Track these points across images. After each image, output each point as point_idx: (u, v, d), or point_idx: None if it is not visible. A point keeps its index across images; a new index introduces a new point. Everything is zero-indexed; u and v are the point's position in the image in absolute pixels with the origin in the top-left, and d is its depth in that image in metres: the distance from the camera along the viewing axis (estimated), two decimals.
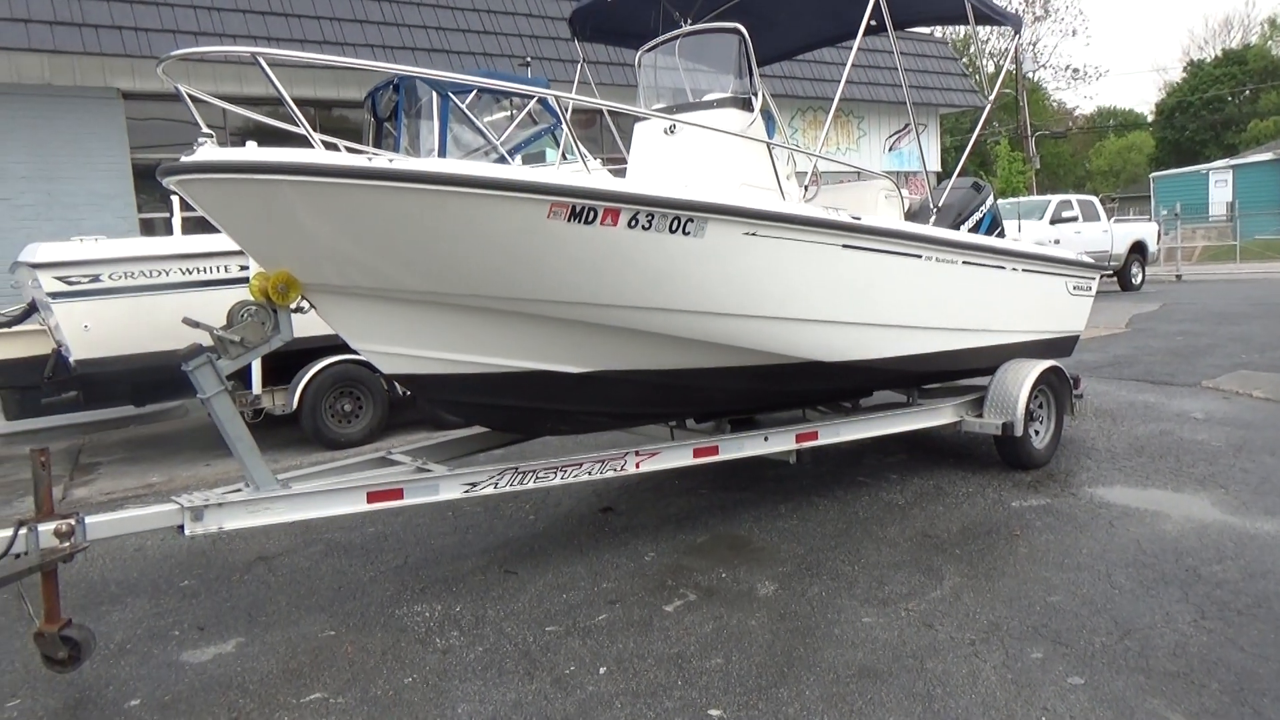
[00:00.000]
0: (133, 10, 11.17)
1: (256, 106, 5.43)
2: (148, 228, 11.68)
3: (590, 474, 4.74)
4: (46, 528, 3.55)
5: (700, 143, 5.21)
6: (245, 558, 5.24)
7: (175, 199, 7.91)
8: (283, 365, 7.67)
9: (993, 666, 3.51)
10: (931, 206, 6.20)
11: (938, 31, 20.66)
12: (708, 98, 5.43)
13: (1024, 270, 6.45)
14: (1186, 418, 7.57)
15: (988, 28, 9.21)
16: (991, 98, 7.62)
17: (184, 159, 3.62)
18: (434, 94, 8.14)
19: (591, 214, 4.03)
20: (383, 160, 3.79)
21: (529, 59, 12.83)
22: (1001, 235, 6.76)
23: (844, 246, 5.04)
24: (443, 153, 8.09)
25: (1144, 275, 20.94)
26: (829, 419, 5.94)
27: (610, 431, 5.69)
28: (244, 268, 7.47)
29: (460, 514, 5.85)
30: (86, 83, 11.25)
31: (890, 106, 18.85)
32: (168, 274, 7.40)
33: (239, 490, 4.13)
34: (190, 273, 7.47)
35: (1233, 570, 4.33)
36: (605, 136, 13.91)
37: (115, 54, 10.92)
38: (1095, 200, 21.03)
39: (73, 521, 3.60)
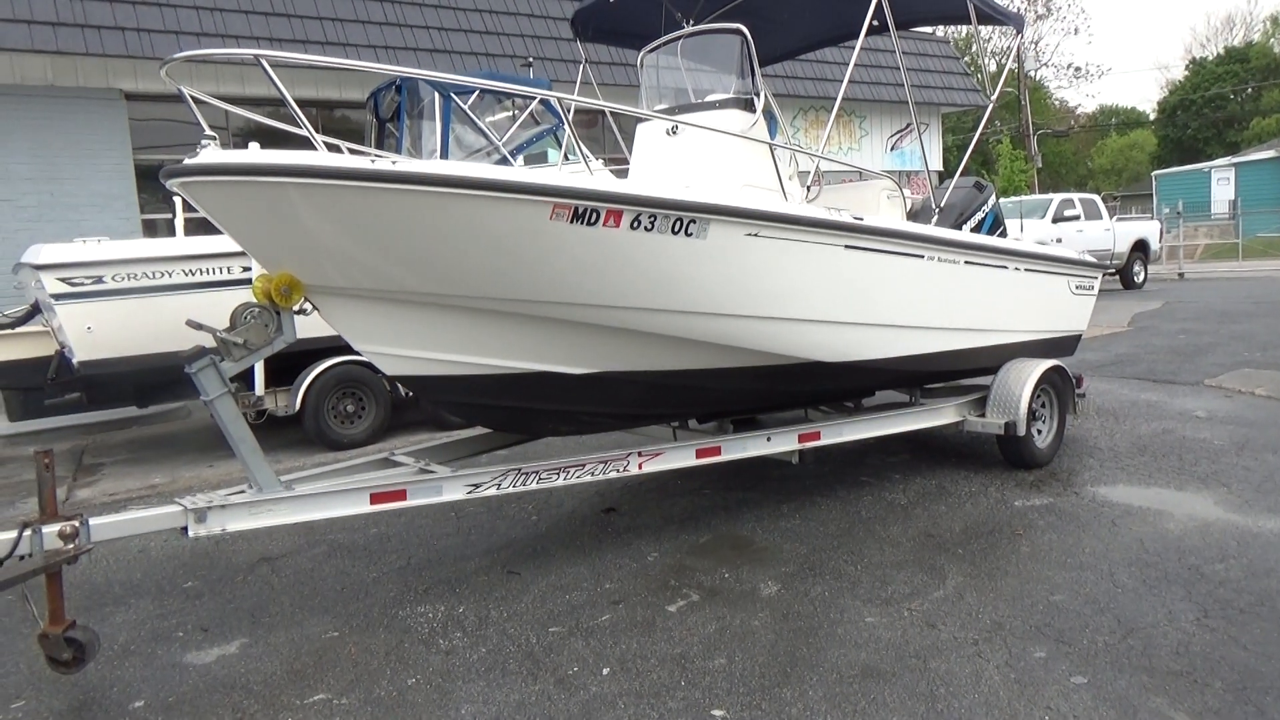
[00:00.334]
0: (135, 11, 11.19)
1: (259, 107, 5.45)
2: (150, 229, 11.71)
3: (593, 475, 4.75)
4: (51, 530, 3.56)
5: (702, 143, 5.21)
6: (249, 559, 5.25)
7: (178, 200, 7.92)
8: (285, 366, 7.67)
9: (996, 666, 3.51)
10: (933, 206, 6.20)
11: (939, 31, 20.65)
12: (710, 98, 5.44)
13: (1026, 270, 6.45)
14: (1189, 416, 7.56)
15: (990, 27, 9.21)
16: (994, 97, 7.61)
17: (187, 161, 3.63)
18: (436, 95, 8.15)
19: (594, 215, 4.04)
20: (385, 162, 3.79)
21: (531, 59, 12.84)
22: (1004, 235, 6.76)
23: (846, 247, 5.04)
24: (445, 153, 8.10)
25: (1146, 274, 20.93)
26: (832, 419, 5.94)
27: (613, 432, 5.69)
28: (246, 269, 7.49)
29: (463, 515, 5.85)
30: (89, 84, 11.27)
31: (892, 106, 18.85)
32: (170, 275, 7.41)
33: (242, 492, 4.14)
34: (193, 274, 7.48)
35: (1235, 569, 4.33)
36: (607, 137, 13.91)
37: (118, 55, 10.95)
38: (1097, 199, 21.02)
39: (77, 523, 3.61)
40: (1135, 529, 4.96)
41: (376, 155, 4.29)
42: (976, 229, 6.43)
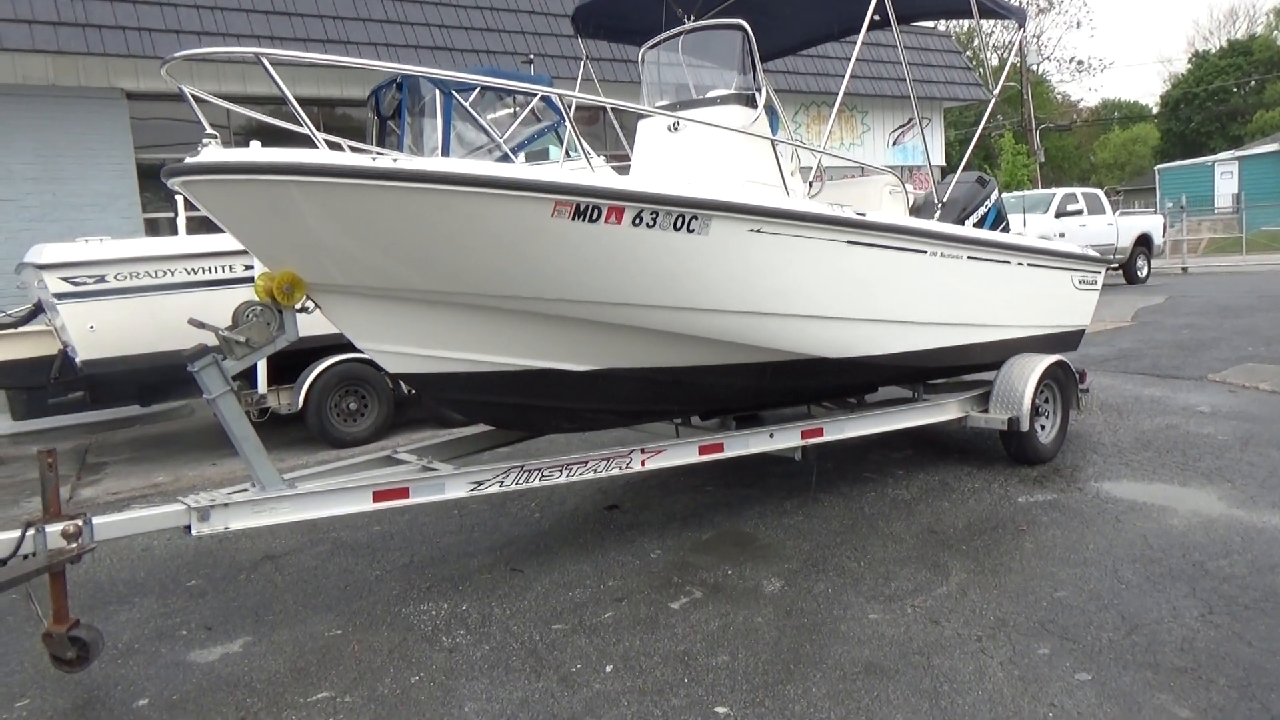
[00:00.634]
0: (136, 10, 11.19)
1: (260, 106, 5.44)
2: (152, 228, 11.72)
3: (596, 472, 4.75)
4: (54, 529, 3.56)
5: (704, 140, 5.20)
6: (252, 557, 5.25)
7: (180, 199, 7.92)
8: (288, 364, 7.68)
9: (1000, 663, 3.50)
10: (936, 201, 6.18)
11: (941, 25, 20.65)
12: (711, 94, 5.42)
13: (1029, 265, 6.44)
14: (1193, 411, 7.55)
15: (992, 21, 9.18)
16: (996, 91, 7.58)
17: (188, 160, 3.63)
18: (437, 92, 8.14)
19: (596, 212, 4.03)
20: (387, 160, 3.79)
21: (532, 56, 12.82)
22: (1006, 230, 6.74)
23: (848, 243, 5.03)
24: (446, 151, 8.10)
25: (1149, 268, 20.87)
26: (835, 415, 5.93)
27: (615, 429, 5.69)
28: (249, 267, 7.49)
29: (466, 512, 5.86)
30: (91, 83, 11.27)
31: (894, 101, 18.82)
32: (173, 274, 7.41)
33: (245, 490, 4.14)
34: (195, 272, 7.48)
35: (1240, 565, 4.32)
36: (609, 134, 13.89)
37: (119, 54, 10.95)
38: (1100, 193, 20.97)
39: (80, 522, 3.61)
40: (1139, 525, 4.95)
41: (378, 153, 4.30)
42: (979, 224, 6.41)
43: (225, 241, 7.30)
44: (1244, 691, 3.20)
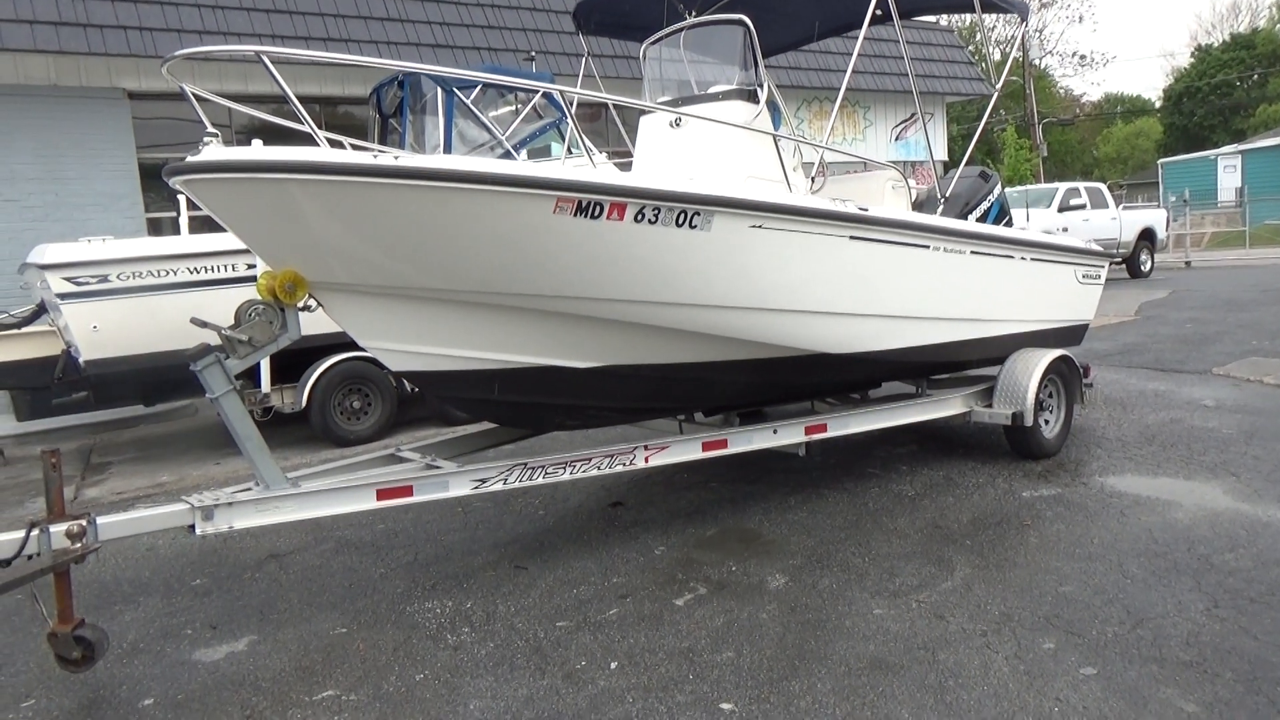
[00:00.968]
0: (137, 10, 11.19)
1: (262, 104, 5.43)
2: (155, 227, 11.72)
3: (599, 469, 4.74)
4: (58, 529, 3.57)
5: (706, 135, 5.19)
6: (257, 556, 5.25)
7: (182, 198, 7.92)
8: (291, 363, 7.68)
9: (1005, 657, 3.50)
10: (939, 196, 6.17)
11: (943, 19, 20.61)
12: (713, 90, 5.42)
13: (1032, 259, 6.42)
14: (1197, 405, 7.53)
15: (994, 15, 9.16)
16: (998, 86, 7.56)
17: (189, 159, 3.63)
18: (439, 89, 8.13)
19: (598, 209, 4.02)
20: (388, 158, 3.78)
21: (533, 53, 12.81)
22: (1009, 224, 6.73)
23: (851, 238, 5.02)
24: (448, 148, 8.09)
25: (1153, 262, 20.83)
26: (838, 411, 5.92)
27: (619, 426, 5.68)
28: (251, 266, 7.49)
29: (470, 510, 5.86)
30: (92, 83, 11.27)
31: (896, 95, 18.78)
32: (175, 274, 7.42)
33: (249, 489, 4.14)
34: (198, 272, 7.48)
35: (1245, 558, 4.31)
36: (611, 130, 13.89)
37: (120, 54, 10.94)
38: (1103, 188, 20.93)
39: (84, 522, 3.61)
40: (1144, 519, 4.94)
41: (379, 151, 4.29)
42: (982, 219, 6.40)
43: (228, 241, 7.30)
44: (1250, 685, 3.20)
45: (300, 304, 4.08)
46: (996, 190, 6.67)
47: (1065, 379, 6.44)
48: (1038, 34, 50.99)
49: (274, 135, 5.11)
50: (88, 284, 7.15)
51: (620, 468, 4.81)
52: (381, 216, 3.80)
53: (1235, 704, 3.09)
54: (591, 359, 4.65)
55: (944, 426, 6.83)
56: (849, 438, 5.85)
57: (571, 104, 4.67)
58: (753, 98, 5.28)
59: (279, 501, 4.05)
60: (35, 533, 3.53)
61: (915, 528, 5.04)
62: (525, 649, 3.83)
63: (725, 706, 3.28)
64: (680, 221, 4.27)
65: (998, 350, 6.30)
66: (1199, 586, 4.03)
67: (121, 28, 10.99)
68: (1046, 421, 6.31)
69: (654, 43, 5.80)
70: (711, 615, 4.04)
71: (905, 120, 19.55)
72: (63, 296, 7.10)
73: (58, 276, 7.06)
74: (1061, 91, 59.58)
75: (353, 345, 6.56)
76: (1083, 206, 19.09)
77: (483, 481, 4.46)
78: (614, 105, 5.26)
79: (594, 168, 5.60)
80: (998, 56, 45.40)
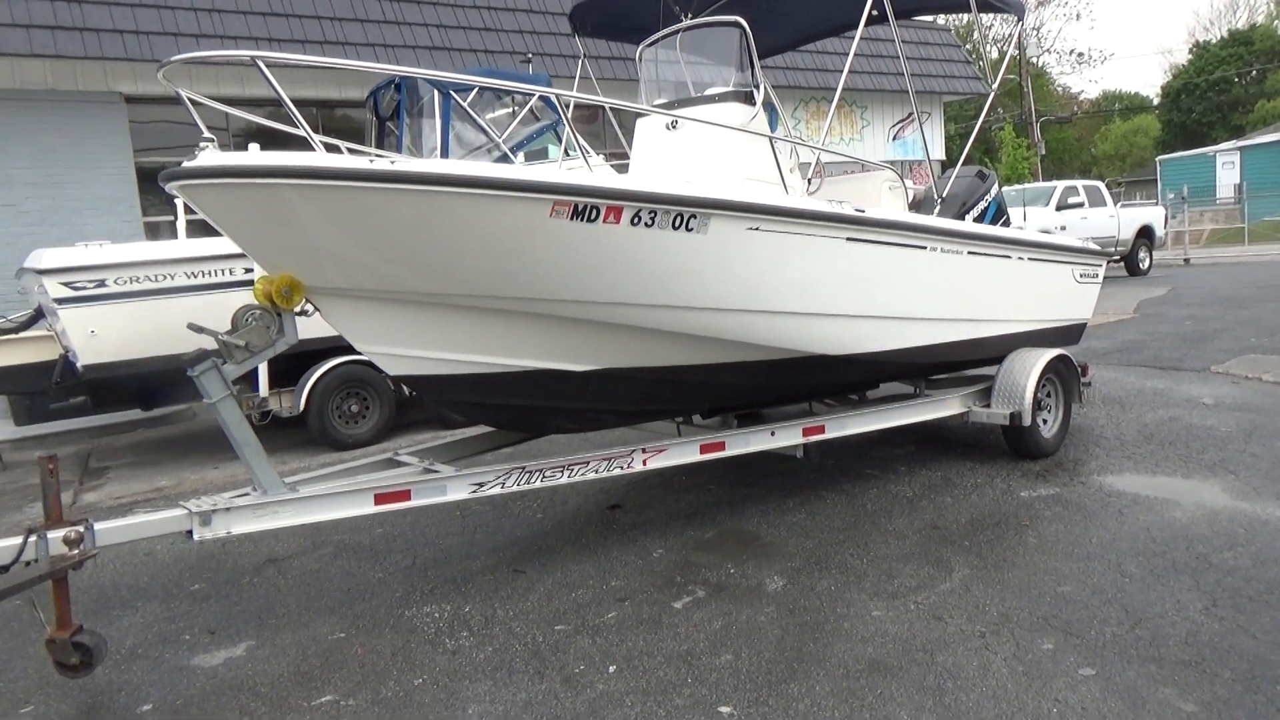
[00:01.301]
0: (134, 14, 11.18)
1: (259, 108, 5.44)
2: (152, 231, 11.71)
3: (597, 472, 4.74)
4: (56, 535, 3.56)
5: (703, 137, 5.19)
6: (255, 560, 5.25)
7: (179, 202, 7.92)
8: (290, 367, 7.68)
9: (1003, 659, 3.50)
10: (936, 196, 6.17)
11: (940, 18, 20.57)
12: (709, 92, 5.41)
13: (1030, 259, 6.42)
14: (1195, 403, 7.53)
15: (991, 14, 9.15)
16: (995, 85, 7.57)
17: (185, 165, 3.62)
18: (436, 92, 8.13)
19: (594, 212, 4.02)
20: (384, 162, 3.78)
21: (530, 55, 12.81)
22: (1007, 224, 6.73)
23: (848, 240, 5.02)
24: (445, 151, 8.09)
25: (1151, 260, 20.83)
26: (836, 412, 5.92)
27: (617, 428, 5.68)
28: (249, 270, 7.49)
29: (468, 513, 5.85)
30: (89, 87, 11.26)
31: (893, 95, 18.77)
32: (172, 278, 7.42)
33: (247, 494, 4.14)
34: (195, 276, 7.48)
35: (1244, 557, 4.31)
36: (608, 132, 13.88)
37: (117, 58, 10.94)
38: (1101, 185, 20.93)
39: (82, 529, 3.61)
40: (1142, 518, 4.94)
41: (376, 155, 4.29)
42: (979, 219, 6.40)
43: (225, 245, 7.30)
44: (1249, 685, 3.19)
45: (297, 309, 4.08)
46: (993, 190, 6.67)
47: (1063, 378, 6.44)
48: (1035, 31, 51.06)
49: (272, 139, 5.11)
50: (85, 289, 7.15)
51: (618, 471, 4.80)
52: (378, 221, 3.80)
53: (1234, 703, 3.09)
54: (589, 362, 4.65)
55: (942, 426, 6.83)
56: (847, 439, 5.85)
57: (568, 107, 4.67)
58: (749, 99, 5.28)
59: (277, 507, 4.05)
60: (33, 539, 3.53)
61: (913, 529, 5.04)
62: (524, 653, 3.83)
63: (724, 710, 3.28)
64: (677, 224, 4.27)
65: (995, 350, 6.29)
66: (1197, 585, 4.03)
67: (118, 32, 10.98)
68: (1045, 421, 6.31)
69: (650, 45, 5.80)
70: (710, 618, 4.04)
71: (902, 120, 19.55)
72: (60, 301, 7.09)
73: (55, 281, 7.06)
74: (1059, 89, 59.62)
75: (351, 348, 6.56)
76: (1081, 205, 19.08)
77: (480, 485, 4.46)
78: (610, 108, 5.26)
79: (590, 170, 5.60)
80: (995, 55, 45.41)
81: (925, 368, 6.34)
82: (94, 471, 8.19)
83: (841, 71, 5.84)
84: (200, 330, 4.08)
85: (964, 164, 6.62)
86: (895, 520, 5.20)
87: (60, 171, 11.14)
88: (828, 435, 5.52)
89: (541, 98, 8.59)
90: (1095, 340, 10.82)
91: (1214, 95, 51.32)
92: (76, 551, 3.58)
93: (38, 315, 8.07)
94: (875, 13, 5.72)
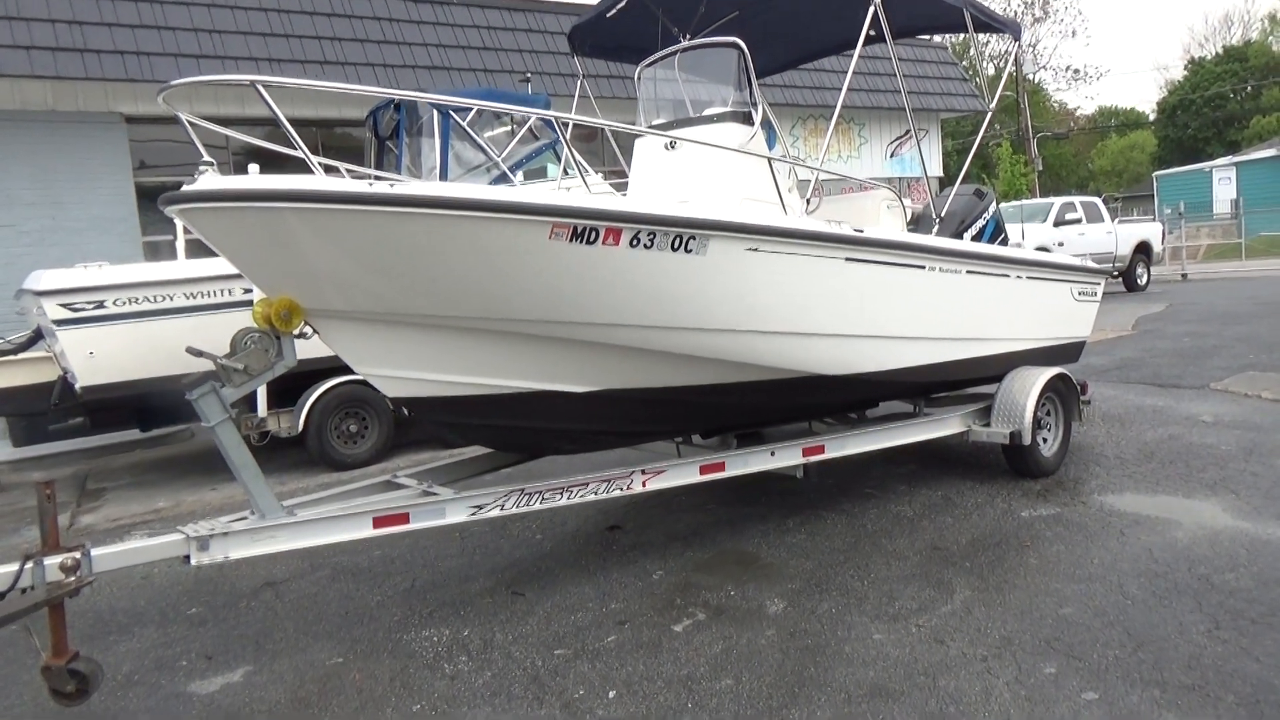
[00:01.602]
0: (134, 35, 11.24)
1: (260, 128, 5.45)
2: (152, 251, 11.73)
3: (597, 494, 4.72)
4: (52, 561, 3.53)
5: (701, 158, 5.19)
6: (252, 584, 5.22)
7: (178, 223, 7.92)
8: (288, 387, 7.66)
9: (1005, 683, 3.47)
10: (934, 215, 6.18)
11: (937, 37, 20.65)
12: (708, 112, 5.42)
13: (1028, 278, 6.43)
14: (1195, 421, 7.52)
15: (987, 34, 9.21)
16: (992, 103, 7.60)
17: (185, 188, 3.63)
18: (435, 112, 8.16)
19: (593, 234, 4.02)
20: (383, 185, 3.78)
21: (529, 75, 12.86)
22: (1005, 242, 6.74)
23: (847, 260, 5.02)
24: (444, 171, 8.11)
25: (1149, 276, 20.87)
26: (835, 432, 5.91)
27: (616, 449, 5.66)
28: (248, 291, 7.48)
29: (467, 535, 5.83)
30: (89, 108, 11.30)
31: (891, 113, 18.85)
32: (171, 299, 7.42)
33: (244, 518, 4.11)
34: (194, 297, 7.48)
35: (1246, 578, 4.29)
36: (606, 150, 13.92)
37: (117, 79, 10.99)
38: (1099, 201, 20.99)
39: (78, 555, 3.58)
40: (1144, 538, 4.92)
41: (376, 176, 4.30)
42: (977, 237, 6.41)
43: (223, 266, 7.29)
44: (1252, 709, 3.17)
45: (296, 331, 4.07)
46: (991, 208, 6.68)
47: (1063, 396, 6.43)
48: (1031, 48, 51.34)
49: (272, 160, 5.11)
50: (84, 310, 7.15)
51: (618, 492, 4.78)
52: (377, 244, 3.80)
53: None
54: (588, 383, 4.64)
55: (942, 445, 6.82)
56: (847, 459, 5.83)
57: (567, 128, 4.67)
58: (747, 120, 5.28)
59: (274, 531, 4.03)
60: (29, 566, 3.50)
61: (914, 549, 5.02)
62: (523, 678, 3.80)
63: None
64: (676, 246, 4.27)
65: (995, 369, 6.29)
66: (1200, 607, 4.01)
67: (119, 53, 11.04)
68: (1044, 440, 6.30)
69: (649, 65, 5.82)
70: (710, 641, 4.02)
71: (900, 137, 19.63)
72: (59, 323, 7.09)
73: (54, 303, 7.06)
74: (1056, 105, 59.88)
75: (350, 369, 6.55)
76: (1079, 220, 19.14)
77: (479, 508, 4.44)
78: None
79: (589, 190, 5.60)
80: (992, 72, 45.61)
81: (925, 387, 6.33)
82: (92, 493, 8.16)
83: (839, 89, 5.86)
84: (199, 354, 4.07)
85: (962, 181, 6.64)
86: (896, 541, 5.18)
87: (60, 191, 11.17)
88: (828, 455, 5.50)
89: (541, 117, 8.61)
90: (1094, 357, 10.81)
91: (1209, 111, 51.58)
92: (73, 579, 3.55)
93: (36, 336, 8.07)
94: (873, 33, 5.74)
